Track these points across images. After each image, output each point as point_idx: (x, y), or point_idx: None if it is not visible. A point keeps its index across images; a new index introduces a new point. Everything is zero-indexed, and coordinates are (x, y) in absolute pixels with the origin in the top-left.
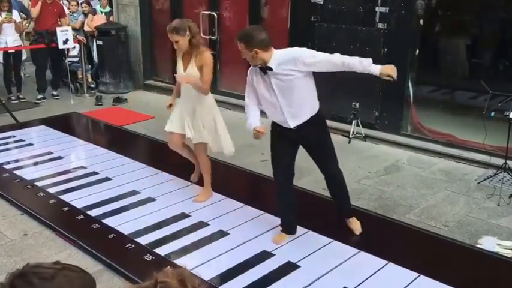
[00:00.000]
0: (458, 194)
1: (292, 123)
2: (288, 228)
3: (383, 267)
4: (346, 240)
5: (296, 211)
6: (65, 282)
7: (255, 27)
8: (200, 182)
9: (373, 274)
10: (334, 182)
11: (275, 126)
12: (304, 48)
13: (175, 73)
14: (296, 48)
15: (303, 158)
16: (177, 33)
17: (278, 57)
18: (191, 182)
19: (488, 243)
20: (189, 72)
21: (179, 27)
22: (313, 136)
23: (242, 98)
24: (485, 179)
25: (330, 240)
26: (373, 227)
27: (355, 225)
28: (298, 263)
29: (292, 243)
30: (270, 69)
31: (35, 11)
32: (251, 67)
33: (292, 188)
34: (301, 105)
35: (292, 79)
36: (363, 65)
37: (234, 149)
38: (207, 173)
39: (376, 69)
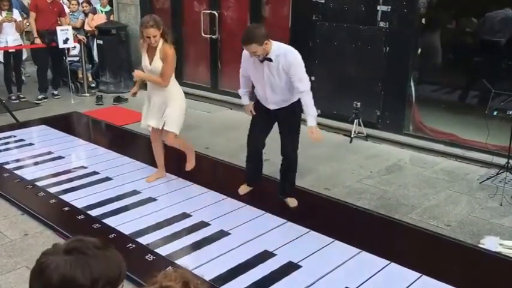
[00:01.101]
0: (461, 194)
1: (272, 107)
2: (253, 180)
3: (385, 267)
4: (347, 240)
5: (261, 172)
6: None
7: (253, 26)
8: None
9: (375, 274)
10: (289, 164)
11: (258, 103)
12: (301, 60)
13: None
14: (297, 54)
15: (304, 158)
16: (157, 27)
17: (277, 51)
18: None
19: (491, 243)
20: (154, 66)
21: (158, 22)
22: (287, 119)
23: None
24: (488, 179)
25: (332, 239)
26: (375, 227)
27: (292, 202)
28: (299, 263)
29: (294, 243)
30: (270, 60)
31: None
32: (244, 54)
33: (261, 157)
34: (285, 95)
35: (281, 74)
36: (309, 115)
37: (178, 132)
38: (190, 149)
39: (311, 123)
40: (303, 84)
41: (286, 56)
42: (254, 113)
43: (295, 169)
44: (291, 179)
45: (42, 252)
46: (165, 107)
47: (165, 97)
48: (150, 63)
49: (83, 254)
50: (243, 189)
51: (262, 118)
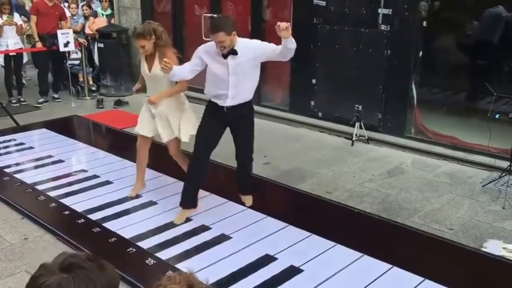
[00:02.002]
0: (463, 197)
1: (229, 102)
2: (190, 203)
3: (387, 271)
4: (349, 244)
5: (198, 189)
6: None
7: (221, 15)
8: None
9: (377, 278)
10: (244, 169)
11: (209, 107)
12: (258, 41)
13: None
14: (255, 40)
15: (305, 162)
16: (143, 38)
17: (241, 43)
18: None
19: (494, 247)
20: (154, 72)
21: (144, 32)
22: (240, 122)
23: None
24: (490, 182)
25: (333, 244)
26: (377, 231)
27: (248, 200)
28: (301, 267)
29: (295, 247)
30: (236, 52)
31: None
32: (201, 49)
33: (205, 166)
34: (244, 88)
35: (248, 64)
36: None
37: (188, 140)
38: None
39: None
40: (270, 45)
41: (250, 45)
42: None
43: (251, 173)
44: (246, 181)
45: (32, 277)
46: (173, 117)
47: (169, 105)
48: (150, 70)
49: (81, 269)
50: (180, 217)
51: (214, 122)
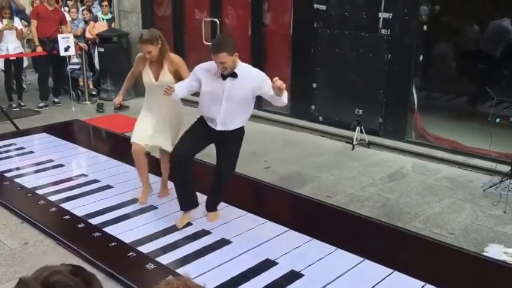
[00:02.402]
0: (464, 202)
1: (219, 127)
2: (188, 204)
3: (388, 275)
4: (350, 249)
5: (194, 189)
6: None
7: (223, 35)
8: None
9: (378, 283)
10: (221, 181)
11: (202, 119)
12: (264, 74)
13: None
14: (257, 70)
15: (306, 166)
16: (151, 43)
17: (242, 68)
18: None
19: (495, 251)
20: (163, 80)
21: (152, 38)
22: (227, 142)
23: None
24: (491, 186)
25: (334, 248)
26: (377, 235)
27: (214, 216)
28: (301, 272)
29: (296, 252)
30: (236, 75)
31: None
32: (200, 67)
33: (186, 165)
34: (236, 117)
35: (244, 91)
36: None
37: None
38: (146, 173)
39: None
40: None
41: (252, 74)
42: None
43: (225, 186)
44: (218, 195)
45: None
46: (176, 125)
47: (174, 114)
48: (157, 79)
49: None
50: (182, 221)
51: (201, 132)
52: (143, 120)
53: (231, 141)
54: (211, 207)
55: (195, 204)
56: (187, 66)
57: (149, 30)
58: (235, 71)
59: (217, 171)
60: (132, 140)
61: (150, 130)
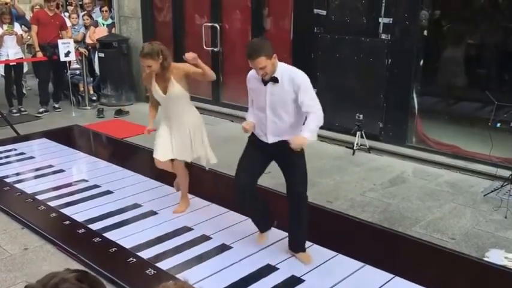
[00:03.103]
0: (465, 207)
1: (270, 139)
2: (262, 227)
3: (389, 281)
4: (351, 254)
5: (266, 210)
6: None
7: (258, 39)
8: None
9: None
10: (297, 205)
11: (252, 137)
12: (309, 81)
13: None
14: (304, 74)
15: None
16: (151, 58)
17: (283, 70)
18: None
19: (496, 256)
20: (172, 92)
21: (152, 52)
22: (287, 155)
23: (245, 110)
24: (492, 191)
25: (335, 253)
26: (378, 240)
27: (306, 258)
28: (302, 277)
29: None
30: (276, 80)
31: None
32: (250, 74)
33: (252, 194)
34: (284, 125)
35: (287, 97)
36: (310, 126)
37: (216, 160)
38: (185, 185)
39: (305, 135)
40: (316, 103)
41: (293, 75)
42: (247, 128)
43: (305, 214)
44: (303, 226)
45: None
46: (197, 134)
47: (192, 122)
48: (165, 92)
49: None
50: (261, 239)
51: (257, 151)
52: (163, 134)
53: (290, 156)
54: (296, 247)
55: (268, 226)
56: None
57: (150, 44)
58: (275, 75)
59: (291, 199)
60: (154, 155)
61: (169, 145)
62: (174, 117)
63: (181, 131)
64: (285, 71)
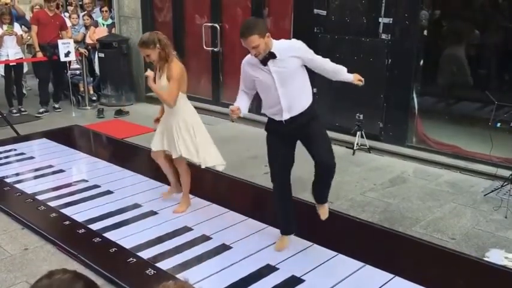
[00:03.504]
0: (465, 206)
1: (286, 115)
2: (287, 229)
3: (389, 280)
4: (351, 254)
5: (294, 212)
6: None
7: (252, 18)
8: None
9: None
10: (328, 172)
11: (269, 125)
12: (303, 43)
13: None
14: (296, 40)
15: (305, 171)
16: (146, 47)
17: (278, 45)
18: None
19: (496, 256)
20: (162, 84)
21: (148, 41)
22: (306, 126)
23: None
24: (492, 191)
25: (335, 253)
26: (378, 240)
27: (324, 210)
28: (302, 277)
29: (297, 257)
30: (274, 56)
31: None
32: (244, 61)
33: (289, 188)
34: (297, 96)
35: (291, 66)
36: (346, 74)
37: (225, 162)
38: (187, 184)
39: (351, 77)
40: (325, 62)
41: (289, 44)
42: (235, 110)
43: (331, 180)
44: (326, 190)
45: None
46: (178, 133)
47: (181, 119)
48: (155, 82)
49: None
50: (282, 244)
51: (279, 143)
52: (160, 125)
53: (311, 126)
54: (322, 198)
55: (293, 230)
56: (187, 72)
57: (149, 34)
58: (272, 51)
59: (321, 165)
60: (151, 145)
61: (160, 136)
62: (166, 110)
63: (168, 125)
64: (280, 45)
